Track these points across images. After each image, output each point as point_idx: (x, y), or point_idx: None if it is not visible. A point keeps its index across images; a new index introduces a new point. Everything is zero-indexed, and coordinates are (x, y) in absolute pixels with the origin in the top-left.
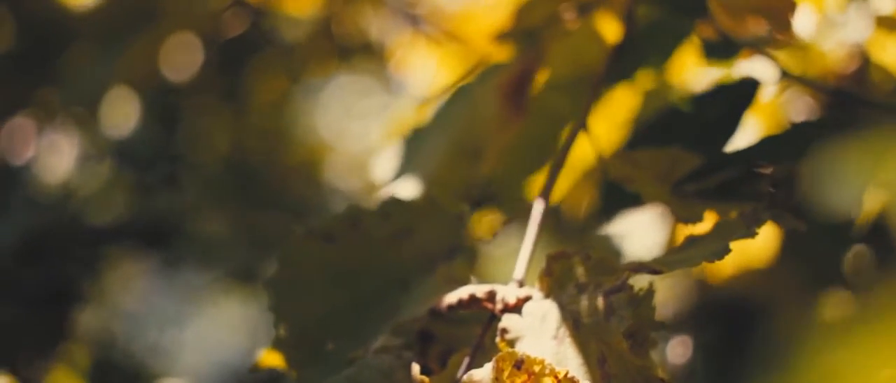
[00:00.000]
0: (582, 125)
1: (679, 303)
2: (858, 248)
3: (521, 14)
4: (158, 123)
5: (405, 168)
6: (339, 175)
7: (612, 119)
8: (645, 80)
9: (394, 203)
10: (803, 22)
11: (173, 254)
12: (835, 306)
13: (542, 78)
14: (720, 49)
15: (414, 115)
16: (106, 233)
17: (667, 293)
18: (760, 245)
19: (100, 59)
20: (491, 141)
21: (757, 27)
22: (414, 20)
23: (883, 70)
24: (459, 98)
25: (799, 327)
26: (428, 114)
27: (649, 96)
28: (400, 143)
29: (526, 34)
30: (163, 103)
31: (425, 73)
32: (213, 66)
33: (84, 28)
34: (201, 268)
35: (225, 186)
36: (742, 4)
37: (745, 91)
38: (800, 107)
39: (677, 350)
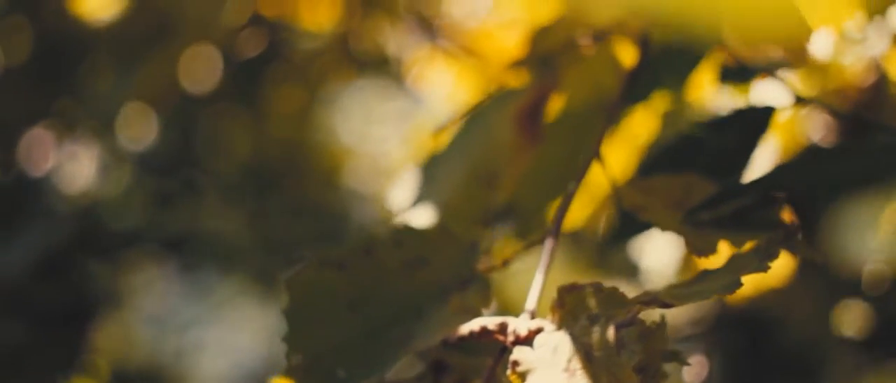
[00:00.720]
0: (595, 153)
1: (696, 315)
2: (876, 261)
3: (536, 40)
4: (177, 130)
5: (420, 194)
6: (358, 180)
7: (628, 143)
8: (661, 103)
9: (407, 232)
10: (820, 43)
11: (192, 258)
12: (853, 319)
13: (557, 104)
14: (735, 74)
15: (430, 142)
16: (126, 239)
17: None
18: (778, 263)
19: (118, 75)
20: (506, 167)
21: (772, 51)
22: (431, 35)
23: None
24: (474, 124)
25: (817, 340)
26: (443, 139)
27: (666, 119)
28: (415, 169)
29: (541, 60)
30: (182, 111)
31: (443, 87)
32: (231, 77)
33: (102, 41)
34: (220, 272)
35: (244, 191)
36: (756, 33)
37: (761, 118)
38: (817, 125)
39: (693, 368)
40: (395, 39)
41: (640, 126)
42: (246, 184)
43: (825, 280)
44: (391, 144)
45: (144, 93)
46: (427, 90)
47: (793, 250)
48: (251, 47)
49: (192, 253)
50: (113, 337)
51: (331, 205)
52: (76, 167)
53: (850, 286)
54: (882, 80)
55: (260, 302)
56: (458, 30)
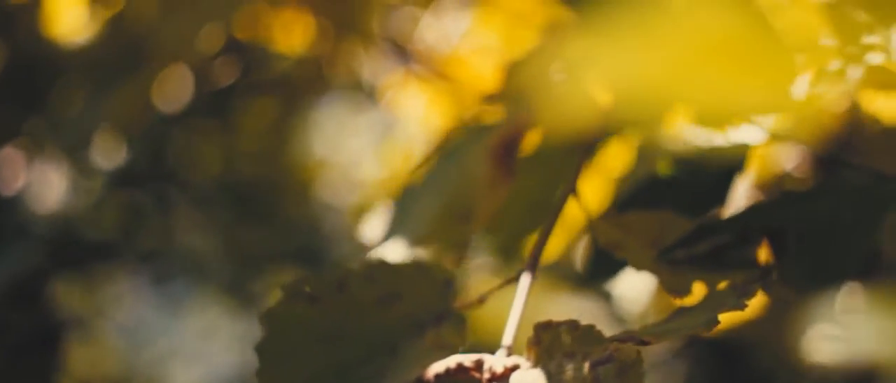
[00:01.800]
0: (572, 189)
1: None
2: (851, 286)
3: (510, 74)
4: (149, 144)
5: (393, 229)
6: (330, 192)
7: (604, 178)
8: (636, 138)
9: (380, 266)
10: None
11: (165, 271)
12: (825, 344)
13: (533, 138)
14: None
15: (403, 174)
16: (98, 253)
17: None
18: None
19: (90, 100)
20: (481, 202)
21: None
22: (405, 59)
23: (872, 117)
24: (448, 158)
25: (789, 365)
26: (417, 173)
27: (641, 155)
28: (388, 203)
29: (515, 94)
30: (154, 127)
31: (416, 111)
32: (204, 96)
33: (75, 64)
34: (193, 284)
35: (216, 203)
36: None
37: (737, 155)
38: (790, 155)
39: None
40: (369, 64)
41: (616, 161)
42: (218, 197)
43: (798, 307)
44: (364, 156)
45: (117, 118)
46: (400, 114)
47: (767, 289)
48: (225, 75)
49: (164, 265)
50: (86, 352)
51: (303, 218)
52: (47, 186)
53: (822, 313)
54: (855, 115)
55: (232, 312)
56: (431, 55)
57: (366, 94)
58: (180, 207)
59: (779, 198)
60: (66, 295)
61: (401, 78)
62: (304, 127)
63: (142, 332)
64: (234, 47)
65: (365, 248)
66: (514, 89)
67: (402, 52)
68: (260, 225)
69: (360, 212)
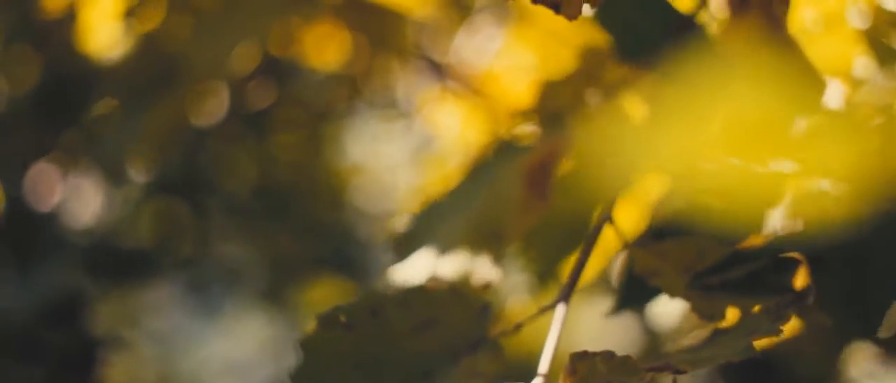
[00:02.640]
0: (608, 217)
1: None
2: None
3: (545, 95)
4: (185, 154)
5: (422, 245)
6: (364, 198)
7: (640, 202)
8: (673, 163)
9: (415, 292)
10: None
11: (201, 278)
12: (862, 361)
13: (568, 162)
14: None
15: (433, 189)
16: (134, 263)
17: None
18: None
19: (125, 118)
20: (513, 225)
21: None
22: (440, 75)
23: None
24: (480, 176)
25: (825, 379)
26: (447, 190)
27: (677, 181)
28: (419, 222)
29: (550, 115)
30: (189, 138)
31: (451, 127)
32: (239, 114)
33: (109, 79)
34: (228, 291)
35: (251, 211)
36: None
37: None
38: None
39: None
40: (404, 79)
41: (653, 187)
42: (253, 204)
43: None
44: (398, 165)
45: (152, 135)
46: (435, 129)
47: (802, 314)
48: (261, 98)
49: (200, 273)
50: (123, 362)
51: (338, 225)
52: (83, 200)
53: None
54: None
55: (267, 318)
56: (466, 71)
57: (400, 109)
58: (215, 215)
59: (815, 224)
60: (103, 305)
61: (435, 94)
62: (338, 139)
63: (178, 340)
64: (269, 64)
65: (394, 263)
66: (549, 110)
67: (437, 68)
68: (295, 232)
69: (392, 225)
